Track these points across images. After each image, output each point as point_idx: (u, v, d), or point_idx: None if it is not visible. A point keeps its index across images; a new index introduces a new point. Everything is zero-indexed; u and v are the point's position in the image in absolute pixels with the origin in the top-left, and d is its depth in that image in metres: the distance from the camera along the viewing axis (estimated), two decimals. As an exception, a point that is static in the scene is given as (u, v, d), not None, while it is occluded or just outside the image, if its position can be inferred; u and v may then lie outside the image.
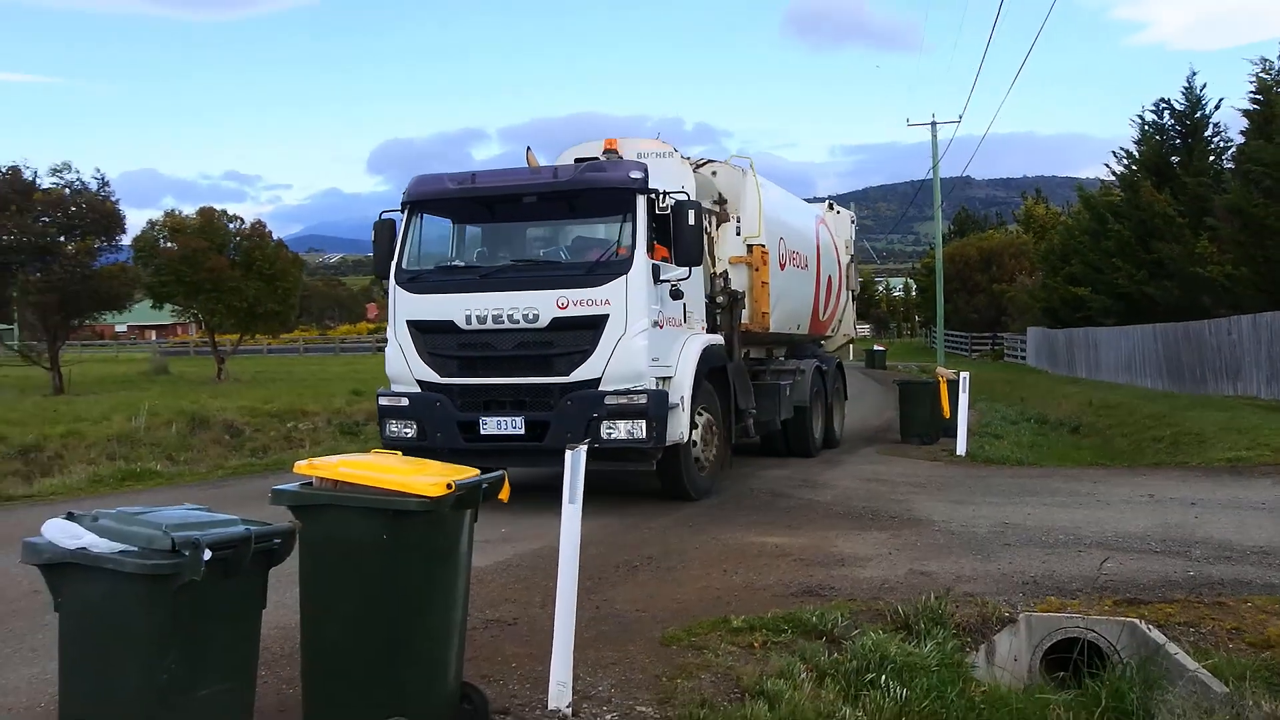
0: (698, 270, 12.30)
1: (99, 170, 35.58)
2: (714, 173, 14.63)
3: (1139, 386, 29.43)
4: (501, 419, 11.24)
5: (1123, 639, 6.80)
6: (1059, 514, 11.10)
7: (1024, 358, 48.31)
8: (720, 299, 13.44)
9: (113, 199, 34.11)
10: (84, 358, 55.18)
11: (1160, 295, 32.29)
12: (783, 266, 15.53)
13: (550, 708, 5.26)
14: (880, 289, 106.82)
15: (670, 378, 11.42)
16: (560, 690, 5.28)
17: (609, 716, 5.26)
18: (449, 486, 4.54)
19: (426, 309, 11.71)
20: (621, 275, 11.11)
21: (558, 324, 11.13)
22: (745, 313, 14.18)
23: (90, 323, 38.18)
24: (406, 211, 12.27)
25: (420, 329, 11.72)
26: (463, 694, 4.98)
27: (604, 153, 12.58)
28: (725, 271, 13.84)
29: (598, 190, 11.54)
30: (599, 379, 11.00)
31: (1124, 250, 34.97)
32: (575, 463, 5.27)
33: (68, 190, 33.20)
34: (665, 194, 11.53)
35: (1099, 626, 6.96)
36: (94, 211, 33.11)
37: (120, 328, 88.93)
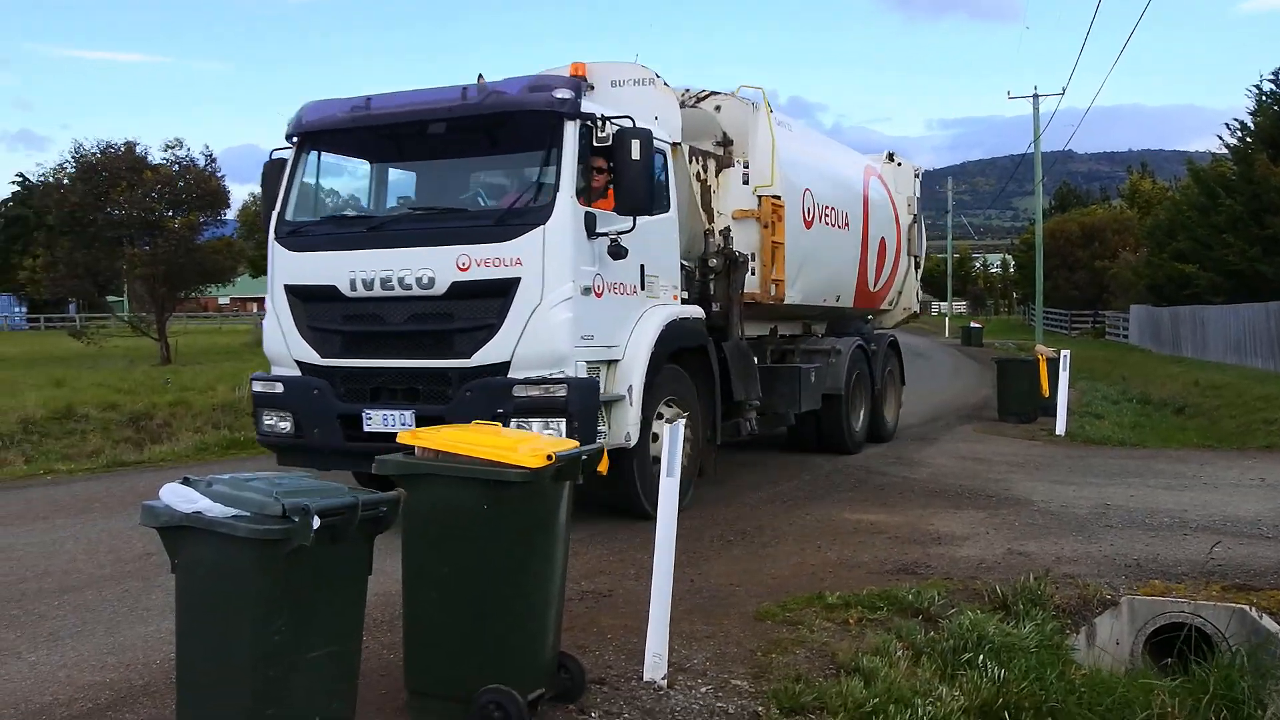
0: (669, 223, 9.85)
1: (207, 146, 36.56)
2: (717, 107, 11.73)
3: (1249, 367, 28.50)
4: (389, 413, 8.68)
5: (1231, 626, 6.62)
6: (1163, 496, 10.83)
7: (1126, 336, 47.11)
8: (714, 262, 10.81)
9: (218, 175, 35.00)
10: (189, 329, 56.80)
11: (1274, 273, 31.22)
12: (809, 224, 12.86)
13: (645, 679, 5.30)
14: (977, 265, 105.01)
15: (616, 361, 8.95)
16: (656, 662, 5.32)
17: (704, 689, 5.28)
18: (549, 458, 4.58)
19: (306, 270, 9.15)
20: (537, 226, 8.39)
21: (459, 290, 8.49)
22: (755, 280, 11.55)
23: (195, 295, 39.17)
24: (294, 148, 9.68)
25: (299, 296, 9.20)
26: (560, 664, 5.04)
27: (570, 75, 9.62)
28: (727, 228, 11.04)
29: (514, 115, 8.82)
30: (508, 363, 8.40)
31: (1235, 226, 33.86)
32: (674, 436, 5.28)
33: (176, 166, 34.14)
34: (605, 120, 8.83)
35: (1206, 612, 6.79)
36: (200, 187, 34.02)
37: (223, 300, 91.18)
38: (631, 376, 8.93)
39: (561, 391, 8.25)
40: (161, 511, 3.68)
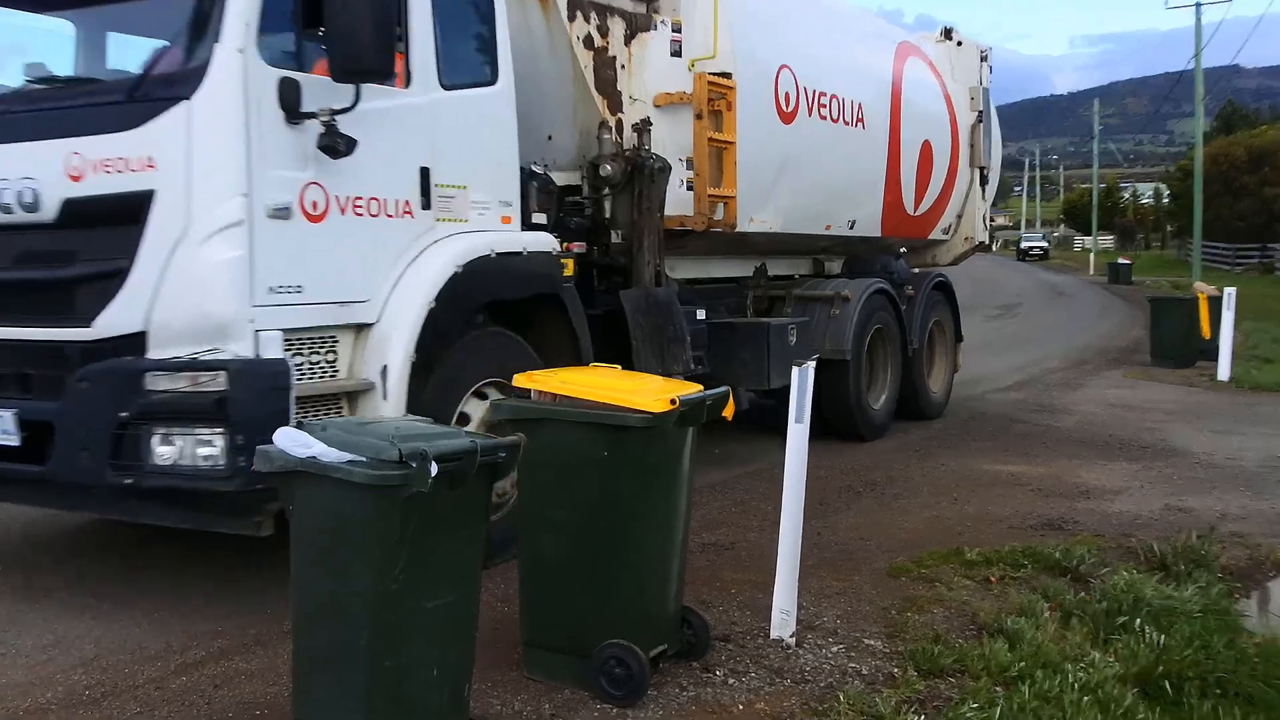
0: (493, 102, 6.89)
1: None
2: None
3: None
4: None
5: None
6: (1341, 448, 10.45)
7: (1297, 272, 45.28)
8: (608, 169, 7.99)
9: None
10: None
11: None
12: (788, 116, 9.59)
13: (773, 636, 5.32)
14: (1126, 196, 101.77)
15: (364, 327, 6.07)
16: (784, 619, 5.33)
17: (835, 648, 5.28)
18: (672, 403, 4.59)
19: None
20: (179, 102, 5.46)
21: (73, 212, 5.68)
22: (688, 196, 8.49)
23: None
24: None
25: None
26: (683, 619, 5.08)
27: None
28: (645, 120, 8.26)
29: None
30: (143, 333, 5.53)
31: None
32: (804, 379, 5.24)
33: None
34: None
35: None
36: None
37: None
38: (388, 352, 6.01)
39: (217, 384, 5.32)
40: (275, 456, 3.78)
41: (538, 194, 7.37)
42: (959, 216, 13.46)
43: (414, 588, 3.76)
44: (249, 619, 5.74)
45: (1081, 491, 8.73)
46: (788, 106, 9.59)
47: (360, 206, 6.01)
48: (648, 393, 4.70)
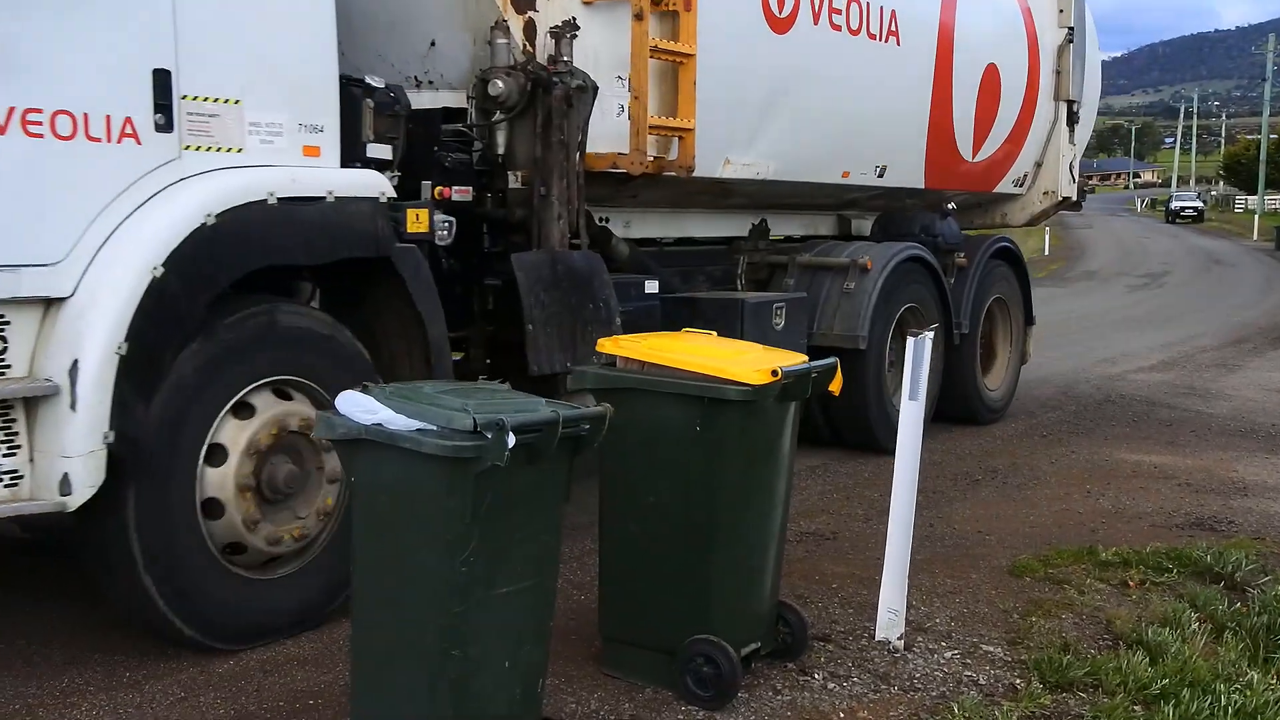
0: None
1: None
2: None
3: None
4: None
5: None
6: None
7: None
8: (499, 86, 6.36)
9: None
10: None
11: None
12: (782, 23, 7.96)
13: (878, 638, 5.34)
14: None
15: (55, 302, 4.70)
16: (891, 619, 5.35)
17: (948, 654, 5.29)
18: (774, 374, 4.62)
19: None
20: None
21: None
22: (619, 124, 6.94)
23: None
24: None
25: None
26: (778, 615, 5.13)
27: None
28: (569, 23, 6.54)
29: None
30: None
31: None
32: (920, 349, 5.24)
33: None
34: None
35: None
36: None
37: None
38: (81, 341, 4.63)
39: None
40: (338, 423, 3.87)
41: (375, 116, 5.82)
42: (1037, 165, 11.78)
43: (486, 573, 3.82)
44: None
45: (1238, 488, 8.61)
46: (781, 10, 7.96)
47: (38, 123, 4.55)
48: (746, 362, 4.73)
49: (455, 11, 6.50)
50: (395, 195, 5.70)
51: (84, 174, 4.70)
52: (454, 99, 6.60)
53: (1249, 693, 4.90)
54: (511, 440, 3.63)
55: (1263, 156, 68.61)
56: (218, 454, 5.05)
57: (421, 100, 6.49)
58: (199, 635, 5.06)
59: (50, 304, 4.69)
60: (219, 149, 5.12)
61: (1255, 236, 54.74)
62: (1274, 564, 6.71)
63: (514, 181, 6.54)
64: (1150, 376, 14.26)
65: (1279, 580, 6.31)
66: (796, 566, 6.37)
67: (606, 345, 4.96)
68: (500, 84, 6.31)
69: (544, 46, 6.53)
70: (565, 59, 6.46)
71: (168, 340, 4.82)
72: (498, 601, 3.89)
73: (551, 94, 6.40)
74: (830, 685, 4.93)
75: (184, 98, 4.95)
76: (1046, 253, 41.78)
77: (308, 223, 5.31)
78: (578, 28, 6.52)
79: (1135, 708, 4.80)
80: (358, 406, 3.86)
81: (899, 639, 5.34)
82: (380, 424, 3.79)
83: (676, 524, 4.76)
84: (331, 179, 5.46)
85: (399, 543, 3.89)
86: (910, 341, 5.30)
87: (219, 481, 5.05)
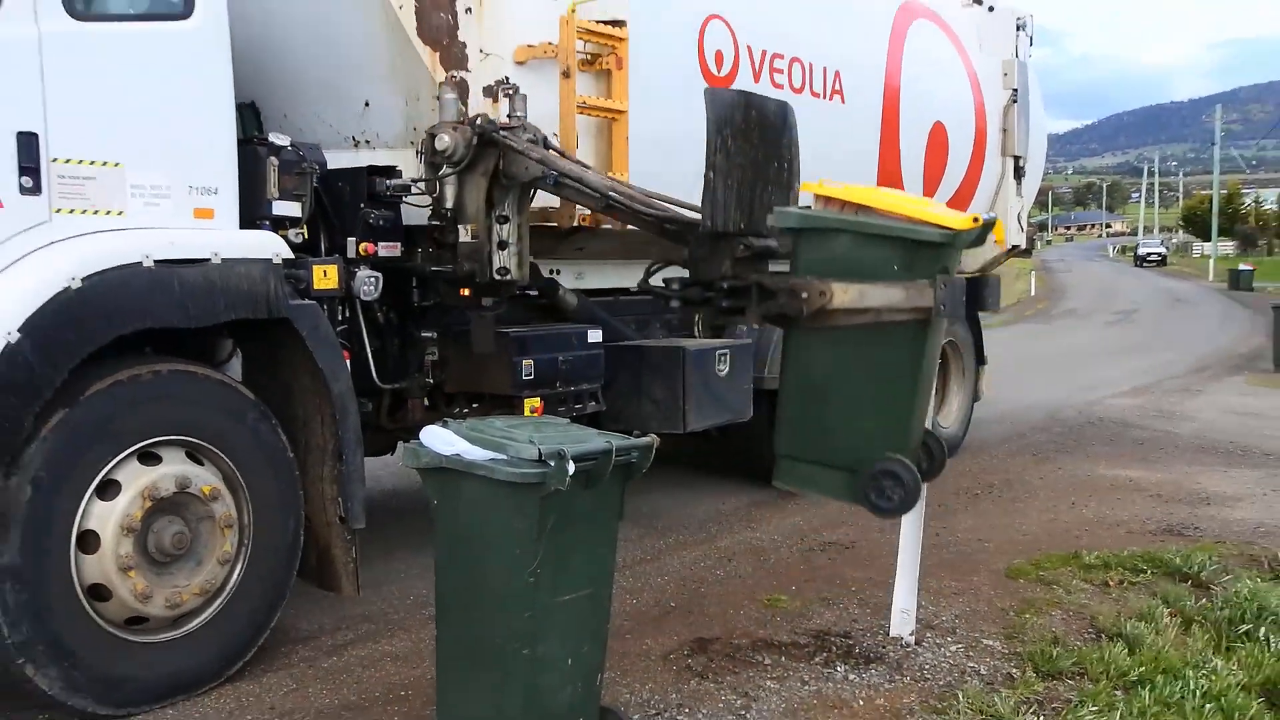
0: (167, 43, 4.64)
1: None
2: None
3: None
4: None
5: None
6: None
7: None
8: (445, 141, 5.55)
9: None
10: None
11: None
12: (724, 81, 7.16)
13: (893, 634, 5.24)
14: (1248, 202, 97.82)
15: None
16: (903, 618, 5.24)
17: (954, 647, 5.18)
18: (975, 220, 4.43)
19: None
20: None
21: None
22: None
23: None
24: None
25: None
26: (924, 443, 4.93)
27: None
28: (502, 81, 5.88)
29: None
30: None
31: None
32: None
33: None
34: None
35: None
36: None
37: None
38: None
39: None
40: (423, 453, 3.84)
41: (280, 174, 5.08)
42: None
43: (550, 583, 3.78)
44: (394, 605, 5.86)
45: (1202, 498, 8.42)
46: (719, 69, 7.13)
47: None
48: (938, 208, 4.59)
49: (383, 73, 5.88)
50: (292, 254, 4.93)
51: None
52: (390, 157, 5.92)
53: (1214, 677, 4.80)
54: (571, 468, 3.61)
55: (1215, 209, 67.80)
56: (90, 540, 4.26)
57: (360, 159, 5.93)
58: (103, 710, 4.31)
59: None
60: (95, 212, 4.37)
61: (1211, 278, 53.96)
62: (1234, 564, 6.55)
63: (465, 235, 5.76)
64: (1125, 401, 14.03)
65: (1239, 579, 6.15)
66: (821, 572, 6.29)
67: (812, 187, 4.68)
68: (447, 138, 5.55)
69: (478, 105, 5.83)
70: (519, 114, 5.74)
71: (25, 408, 4.03)
72: (560, 608, 3.84)
73: (487, 146, 5.63)
74: (851, 676, 4.83)
75: (54, 160, 4.24)
76: (1033, 294, 41.35)
77: (186, 285, 4.49)
78: (514, 86, 5.83)
79: (1116, 692, 4.68)
80: (439, 439, 3.84)
81: (911, 635, 5.23)
82: (459, 454, 3.77)
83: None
84: (216, 240, 4.66)
85: (475, 557, 3.85)
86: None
87: (98, 567, 4.27)
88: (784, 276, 4.76)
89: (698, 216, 5.23)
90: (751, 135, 5.29)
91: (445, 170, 5.65)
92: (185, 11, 4.63)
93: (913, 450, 4.71)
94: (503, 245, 5.78)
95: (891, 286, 4.42)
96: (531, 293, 6.46)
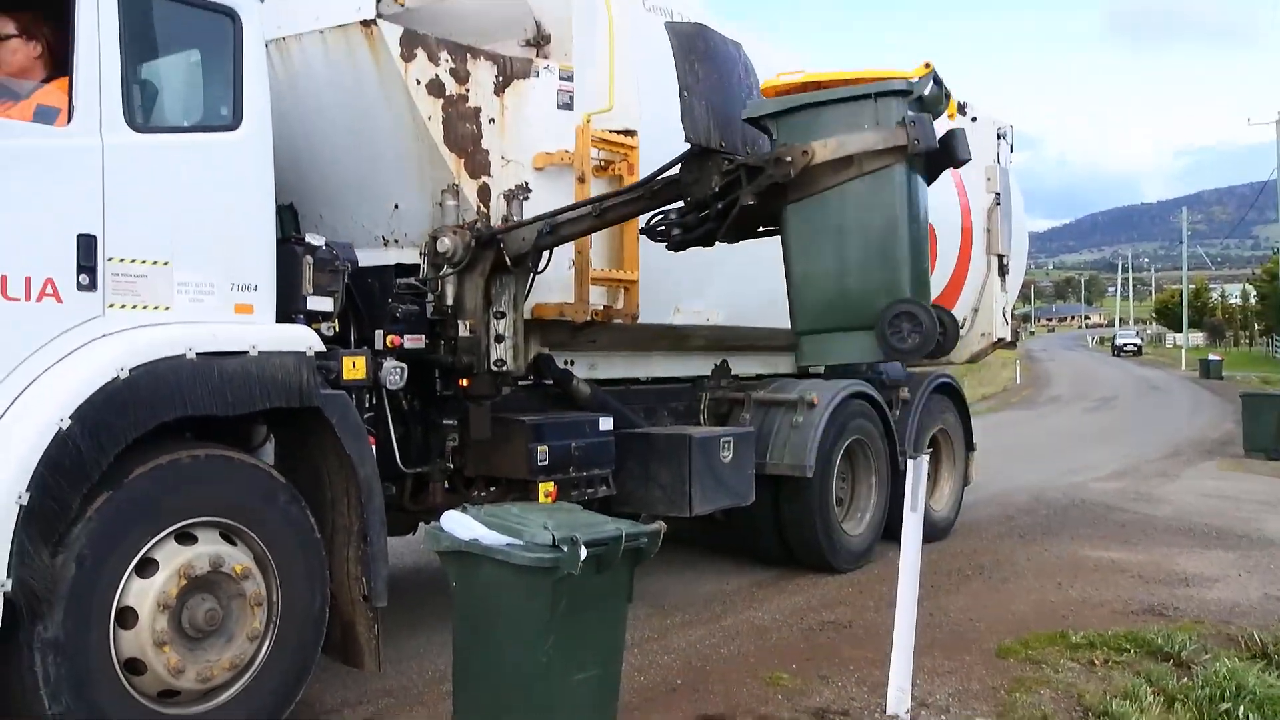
0: (220, 153, 4.72)
1: None
2: None
3: None
4: None
5: None
6: None
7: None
8: (446, 244, 5.75)
9: None
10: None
11: None
12: None
13: (889, 712, 5.12)
14: (1215, 296, 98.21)
15: None
16: (899, 696, 5.13)
17: (948, 725, 5.07)
18: (926, 66, 4.79)
19: None
20: None
21: None
22: (564, 278, 6.21)
23: None
24: None
25: None
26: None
27: None
28: (520, 186, 5.96)
29: None
30: None
31: None
32: (918, 471, 5.11)
33: None
34: None
35: None
36: None
37: None
38: None
39: None
40: (443, 537, 3.82)
41: (315, 272, 5.15)
42: (974, 310, 10.84)
43: (563, 662, 3.73)
44: (414, 680, 5.75)
45: (1181, 579, 8.29)
46: None
47: None
48: (889, 70, 4.83)
49: (413, 178, 5.96)
50: (324, 348, 4.96)
51: (1, 332, 4.07)
52: (414, 255, 6.04)
53: (1199, 757, 4.66)
54: (583, 552, 3.58)
55: (1184, 303, 68.10)
56: (128, 616, 4.23)
57: (389, 257, 6.02)
58: None
59: None
60: (145, 307, 4.44)
61: (1183, 367, 53.84)
62: (1213, 644, 6.43)
63: (464, 330, 5.86)
64: (1106, 484, 13.89)
65: (1218, 658, 6.03)
66: (821, 650, 6.18)
67: (772, 82, 4.93)
68: (447, 241, 5.75)
69: (498, 208, 5.96)
70: (515, 217, 5.89)
71: (73, 490, 4.05)
72: (573, 686, 3.79)
73: (485, 247, 5.78)
74: (849, 753, 4.72)
75: (110, 260, 4.32)
76: (1018, 381, 41.18)
77: (226, 376, 4.53)
78: (530, 190, 5.97)
79: (1106, 771, 4.56)
80: (458, 525, 3.82)
81: (906, 713, 5.12)
82: (477, 539, 3.75)
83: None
84: (255, 334, 4.71)
85: (491, 636, 3.82)
86: (909, 463, 5.18)
87: (135, 642, 4.24)
88: (767, 153, 4.95)
89: (675, 172, 5.43)
90: (713, 60, 5.47)
91: (445, 270, 5.78)
92: (234, 123, 4.74)
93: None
94: (499, 339, 5.86)
95: (866, 133, 4.67)
96: (547, 382, 6.54)
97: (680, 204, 5.59)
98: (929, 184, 5.06)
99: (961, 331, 10.56)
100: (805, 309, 4.98)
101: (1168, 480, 14.41)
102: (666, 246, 5.82)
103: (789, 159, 4.73)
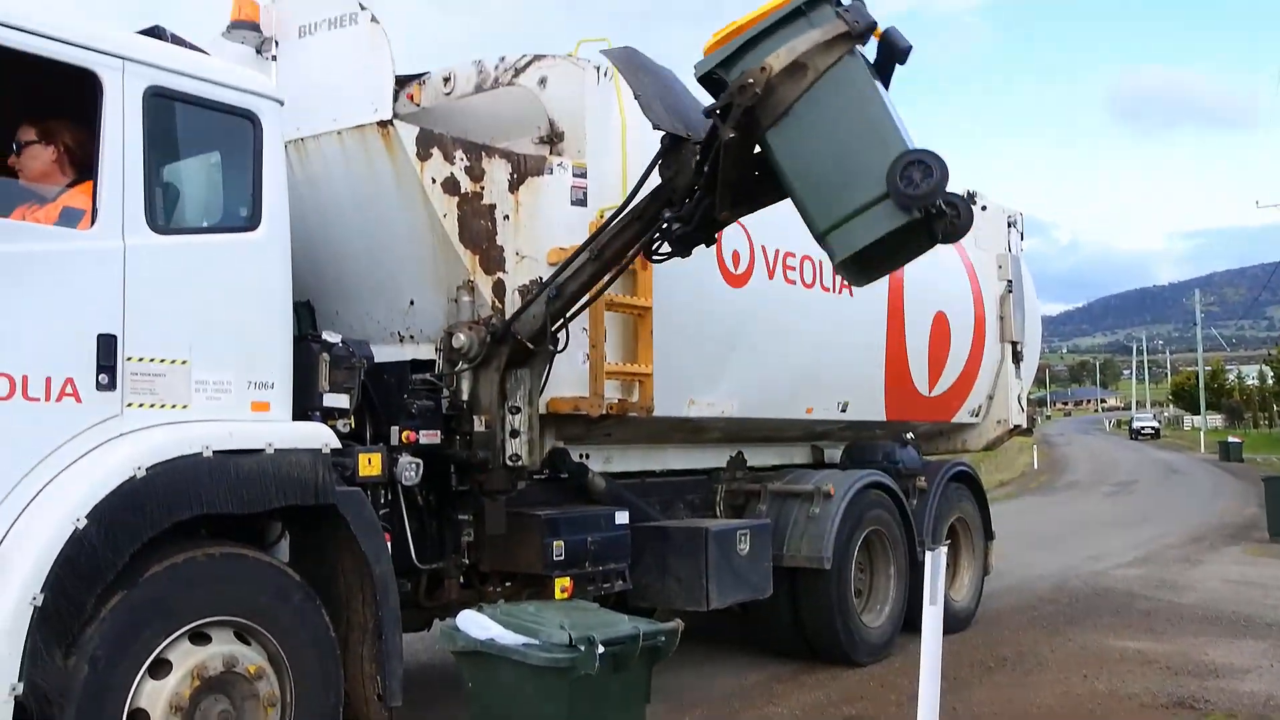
0: (237, 252, 4.77)
1: None
2: (542, 80, 6.42)
3: None
4: None
5: None
6: None
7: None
8: (461, 340, 5.80)
9: None
10: None
11: None
12: (739, 278, 7.28)
13: (914, 812, 4.98)
14: (1231, 378, 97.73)
15: None
16: (924, 795, 4.99)
17: (976, 827, 4.92)
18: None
19: None
20: None
21: None
22: (578, 371, 6.26)
23: None
24: None
25: None
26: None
27: (231, 25, 5.91)
28: (536, 280, 6.05)
29: None
30: None
31: None
32: (936, 564, 5.05)
33: None
34: None
35: None
36: None
37: None
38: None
39: None
40: (459, 637, 3.77)
41: (331, 369, 5.16)
42: (989, 397, 10.72)
43: (581, 763, 3.66)
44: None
45: (1210, 669, 8.10)
46: (736, 267, 7.24)
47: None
48: None
49: (428, 275, 5.99)
50: (339, 445, 4.94)
51: (20, 432, 4.02)
52: (429, 351, 6.04)
53: None
54: (601, 651, 3.52)
55: (1201, 385, 67.84)
56: (140, 718, 4.12)
57: (404, 353, 6.04)
58: None
59: None
60: (163, 405, 4.42)
61: (1202, 450, 53.43)
62: (1250, 739, 6.26)
63: (479, 425, 5.83)
64: (1129, 571, 13.68)
65: (1256, 755, 5.87)
66: (841, 746, 6.04)
67: (709, 42, 5.04)
68: (462, 336, 5.78)
69: (513, 303, 5.96)
70: (531, 312, 5.84)
71: (87, 591, 3.99)
72: (591, 789, 3.70)
73: (501, 342, 5.81)
74: None
75: (129, 359, 4.32)
76: (1035, 467, 40.88)
77: (242, 474, 4.51)
78: (545, 286, 5.92)
79: None
80: (474, 624, 3.77)
81: (932, 813, 4.97)
82: (493, 639, 3.70)
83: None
84: (271, 432, 4.69)
85: (508, 739, 3.74)
86: (928, 555, 5.11)
87: None
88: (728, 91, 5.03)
89: (659, 179, 5.52)
90: (653, 71, 5.71)
91: (461, 365, 5.80)
92: (253, 223, 4.79)
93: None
94: (515, 434, 5.84)
95: (810, 32, 4.83)
96: (562, 476, 6.52)
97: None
98: (886, 87, 5.08)
99: (977, 419, 10.68)
100: (819, 208, 4.99)
101: (1192, 566, 14.19)
102: (672, 255, 5.79)
103: (750, 80, 4.85)
